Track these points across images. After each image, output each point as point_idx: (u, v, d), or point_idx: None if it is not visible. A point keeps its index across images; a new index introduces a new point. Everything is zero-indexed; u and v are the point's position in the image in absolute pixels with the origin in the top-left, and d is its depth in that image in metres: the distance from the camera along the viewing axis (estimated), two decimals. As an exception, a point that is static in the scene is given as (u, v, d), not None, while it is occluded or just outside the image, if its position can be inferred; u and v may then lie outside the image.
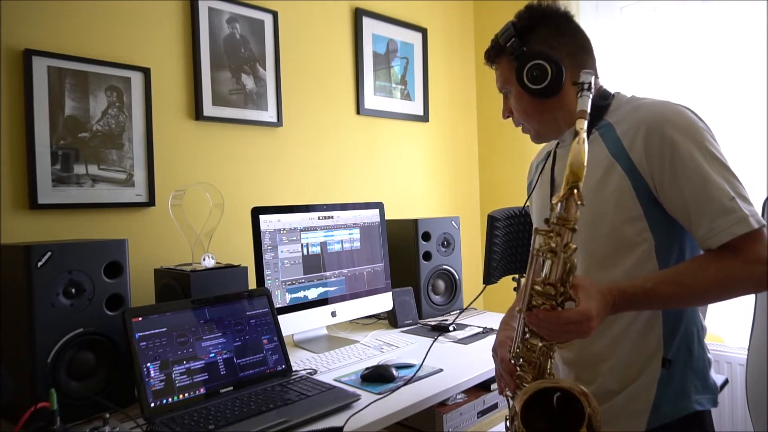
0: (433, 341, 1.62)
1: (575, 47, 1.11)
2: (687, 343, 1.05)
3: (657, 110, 1.02)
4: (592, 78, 0.94)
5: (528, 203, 1.32)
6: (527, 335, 0.96)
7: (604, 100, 1.11)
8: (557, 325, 0.86)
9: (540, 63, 1.06)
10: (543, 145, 1.33)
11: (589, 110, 0.91)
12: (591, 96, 0.93)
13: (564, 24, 1.11)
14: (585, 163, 0.83)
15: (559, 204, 0.85)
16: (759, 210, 1.52)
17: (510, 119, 1.21)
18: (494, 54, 1.16)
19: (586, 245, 1.06)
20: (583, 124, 0.88)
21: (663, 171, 0.98)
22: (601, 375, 1.07)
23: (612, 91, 1.15)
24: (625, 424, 1.04)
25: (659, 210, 1.01)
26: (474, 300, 1.18)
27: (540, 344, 0.94)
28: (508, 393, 1.10)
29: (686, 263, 1.01)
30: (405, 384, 1.41)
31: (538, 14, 1.11)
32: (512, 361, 1.02)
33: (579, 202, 0.84)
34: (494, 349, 1.20)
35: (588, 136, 1.06)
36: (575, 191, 0.83)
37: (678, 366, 1.04)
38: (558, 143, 1.22)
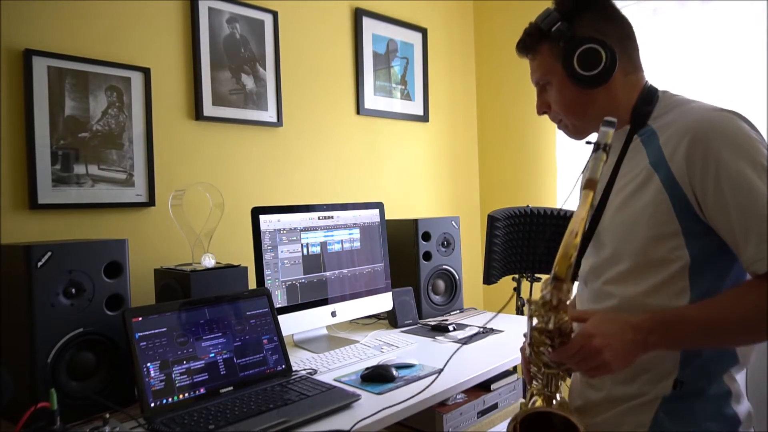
0: (458, 348, 1.55)
1: (623, 34, 1.05)
2: (708, 369, 0.97)
3: (705, 116, 0.93)
4: (611, 134, 0.90)
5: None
6: (532, 356, 0.95)
7: (648, 103, 1.04)
8: (569, 359, 0.87)
9: (593, 47, 0.99)
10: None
11: (599, 177, 0.88)
12: (606, 159, 0.89)
13: (611, 9, 1.05)
14: (573, 262, 0.82)
15: (547, 292, 0.84)
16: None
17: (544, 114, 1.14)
18: (533, 41, 1.07)
19: (610, 257, 1.01)
20: (585, 209, 0.85)
21: (707, 185, 0.89)
22: (607, 382, 1.03)
23: (660, 88, 1.07)
24: None
25: (699, 226, 0.93)
26: (505, 305, 1.17)
27: (544, 370, 0.94)
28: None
29: (728, 290, 0.93)
30: (429, 387, 1.40)
31: None
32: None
33: (568, 294, 0.84)
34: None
35: (629, 142, 1.03)
36: (564, 286, 0.83)
37: (689, 389, 0.96)
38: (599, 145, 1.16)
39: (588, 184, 0.86)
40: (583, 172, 1.21)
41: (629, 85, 1.06)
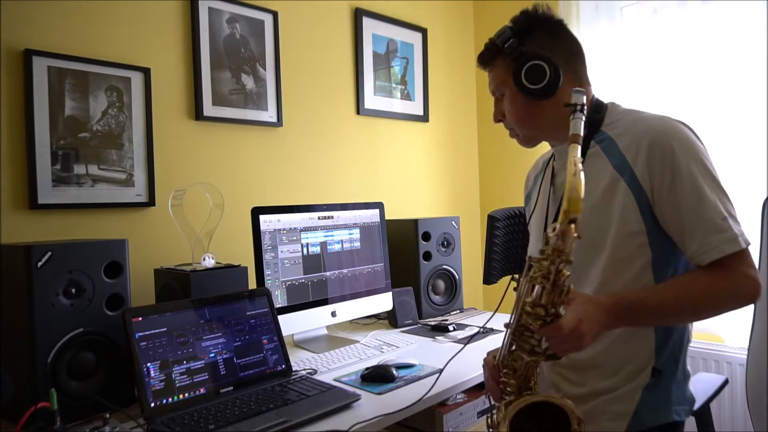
0: (461, 348, 1.56)
1: (569, 52, 1.13)
2: (674, 355, 1.09)
3: (659, 125, 1.04)
4: (584, 98, 0.95)
5: (528, 215, 1.34)
6: (514, 348, 0.99)
7: (598, 112, 1.13)
8: (552, 338, 0.89)
9: (538, 63, 1.07)
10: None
11: (582, 133, 0.92)
12: (584, 118, 0.93)
13: (558, 29, 1.14)
14: (582, 196, 0.83)
15: (554, 235, 0.85)
16: (759, 210, 1.52)
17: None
18: (490, 56, 1.17)
19: (587, 259, 1.08)
20: (577, 151, 0.88)
21: (662, 185, 1.01)
22: (590, 378, 1.09)
23: (605, 101, 1.16)
24: (605, 425, 1.07)
25: (658, 225, 1.04)
26: (500, 303, 1.22)
27: (527, 359, 0.96)
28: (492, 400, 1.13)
29: (678, 277, 1.05)
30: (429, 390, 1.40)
31: (534, 19, 1.14)
32: (498, 367, 1.05)
33: (576, 235, 0.84)
34: (484, 359, 1.21)
35: (586, 148, 1.10)
36: (573, 225, 0.84)
37: (665, 376, 1.07)
38: (553, 156, 1.25)
39: (574, 139, 0.91)
40: (537, 183, 1.32)
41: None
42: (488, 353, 1.20)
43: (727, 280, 0.97)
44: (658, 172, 1.01)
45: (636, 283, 1.04)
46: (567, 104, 0.96)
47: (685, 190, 0.99)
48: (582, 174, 0.84)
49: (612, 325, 0.98)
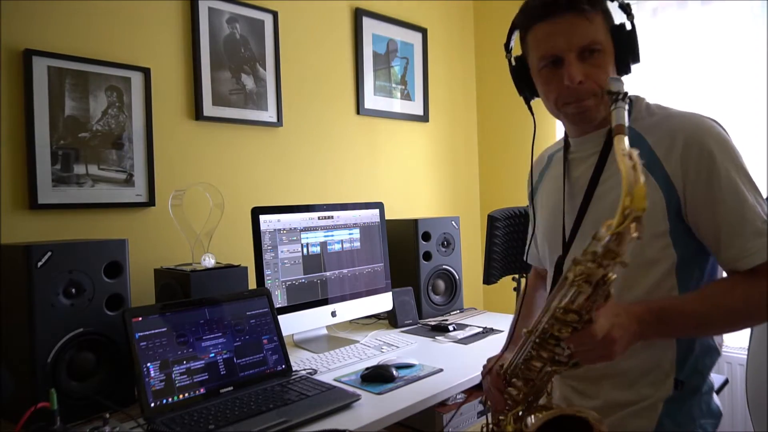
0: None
1: None
2: (699, 367, 1.01)
3: (694, 122, 0.97)
4: (623, 83, 0.88)
5: (532, 211, 1.24)
6: (532, 355, 0.91)
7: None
8: (582, 346, 0.82)
9: (634, 31, 0.99)
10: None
11: (627, 124, 0.83)
12: (627, 108, 0.85)
13: None
14: (645, 194, 0.72)
15: (609, 234, 0.73)
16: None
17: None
18: (595, 2, 0.98)
19: None
20: (625, 142, 0.78)
21: (698, 184, 0.94)
22: (604, 389, 1.03)
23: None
24: None
25: (684, 226, 0.97)
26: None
27: (548, 369, 0.89)
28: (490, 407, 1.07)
29: (713, 284, 0.98)
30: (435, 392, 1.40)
31: None
32: (502, 376, 1.00)
33: (635, 235, 0.72)
34: (484, 367, 1.14)
35: (610, 144, 0.99)
36: (634, 224, 0.71)
37: (688, 388, 1.00)
38: (565, 148, 1.13)
39: (619, 130, 0.81)
40: (543, 178, 1.22)
41: None
42: (489, 360, 1.13)
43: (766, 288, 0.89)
44: (693, 170, 0.93)
45: (658, 288, 0.97)
46: (609, 92, 0.87)
47: (723, 191, 0.92)
48: (642, 166, 0.73)
49: (644, 335, 0.89)
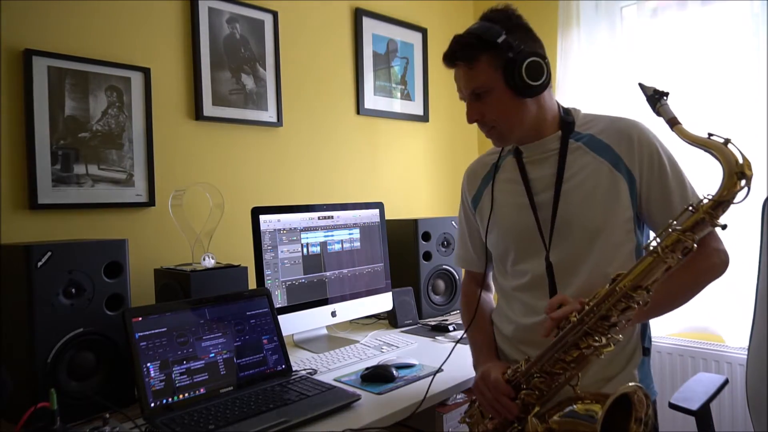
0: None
1: (542, 50, 1.14)
2: (649, 333, 1.18)
3: (636, 123, 1.15)
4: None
5: (482, 212, 1.29)
6: (573, 344, 0.98)
7: (569, 114, 1.19)
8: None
9: (537, 60, 1.08)
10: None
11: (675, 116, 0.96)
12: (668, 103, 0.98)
13: (531, 30, 1.15)
14: (742, 160, 0.88)
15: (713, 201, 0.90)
16: (759, 210, 1.52)
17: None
18: (473, 51, 1.11)
19: (585, 244, 1.12)
20: (689, 130, 0.93)
21: (652, 173, 1.10)
22: (591, 369, 1.07)
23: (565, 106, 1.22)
24: None
25: (639, 212, 1.13)
26: None
27: (602, 346, 0.96)
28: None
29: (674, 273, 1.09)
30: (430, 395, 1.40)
31: (512, 16, 1.13)
32: (517, 381, 1.07)
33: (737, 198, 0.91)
34: (480, 380, 1.14)
35: (565, 146, 1.15)
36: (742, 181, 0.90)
37: (647, 352, 1.16)
38: (513, 153, 1.23)
39: (675, 121, 0.95)
40: (488, 183, 1.30)
41: (550, 97, 1.20)
42: (482, 373, 1.14)
43: (706, 258, 1.07)
44: (647, 162, 1.10)
45: (623, 269, 1.02)
46: (656, 91, 0.99)
47: (670, 178, 1.10)
48: (732, 146, 0.88)
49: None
